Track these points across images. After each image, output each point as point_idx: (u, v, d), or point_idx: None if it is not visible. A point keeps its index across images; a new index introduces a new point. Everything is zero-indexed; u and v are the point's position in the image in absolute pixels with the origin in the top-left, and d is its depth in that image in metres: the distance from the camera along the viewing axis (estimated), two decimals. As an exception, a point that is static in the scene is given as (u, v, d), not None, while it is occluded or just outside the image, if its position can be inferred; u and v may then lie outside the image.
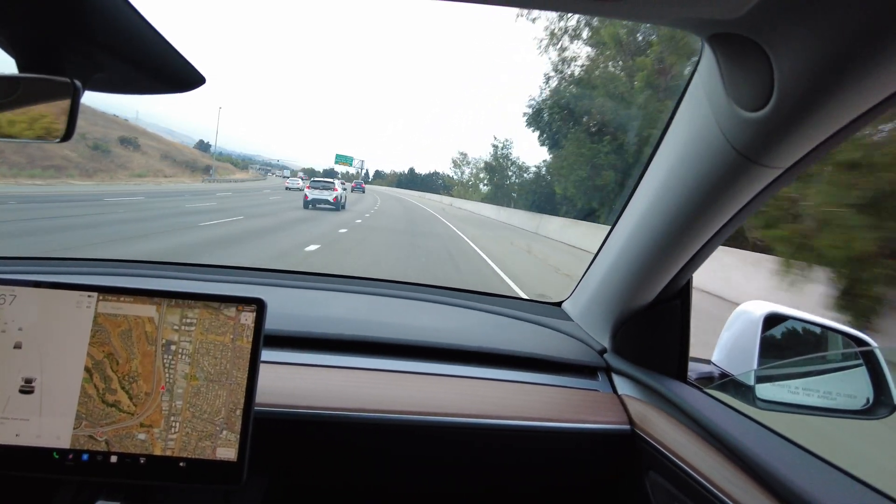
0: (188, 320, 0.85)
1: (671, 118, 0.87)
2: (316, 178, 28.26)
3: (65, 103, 0.62)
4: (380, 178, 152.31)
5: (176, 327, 0.85)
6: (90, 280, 1.06)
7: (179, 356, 0.84)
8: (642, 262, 1.01)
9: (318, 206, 22.81)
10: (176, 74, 0.68)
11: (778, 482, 0.72)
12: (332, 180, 26.24)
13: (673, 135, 0.87)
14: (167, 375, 0.84)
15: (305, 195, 23.48)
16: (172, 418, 0.83)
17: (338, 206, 23.62)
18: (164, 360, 0.84)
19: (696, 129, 0.78)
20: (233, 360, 0.85)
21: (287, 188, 45.62)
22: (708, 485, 0.80)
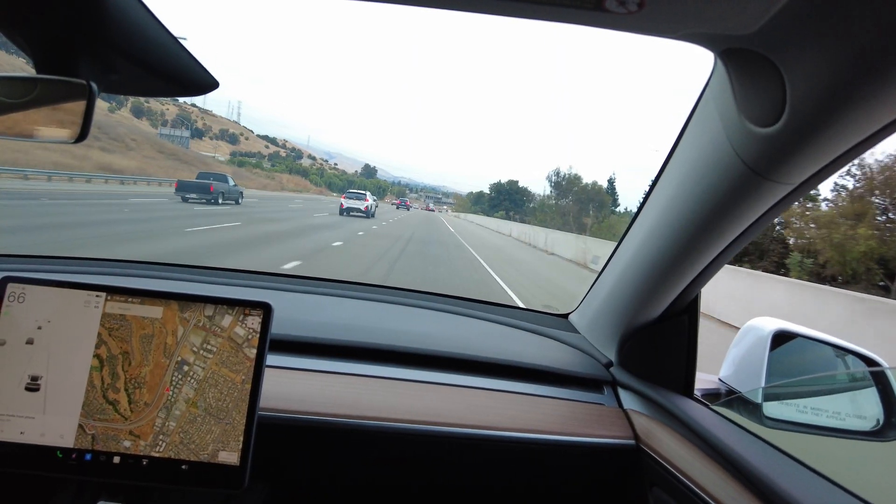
0: (209, 346, 0.85)
1: (682, 132, 0.86)
2: (350, 191, 35.78)
3: (81, 104, 0.63)
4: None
5: (195, 349, 0.85)
6: (98, 280, 1.07)
7: (188, 379, 0.84)
8: (650, 276, 1.00)
9: (351, 213, 28.83)
10: (190, 78, 0.69)
11: (784, 502, 0.71)
12: (363, 192, 33.59)
13: (683, 149, 0.86)
14: (171, 393, 0.84)
15: (341, 204, 29.82)
16: (161, 437, 0.82)
17: (368, 213, 29.80)
18: (174, 378, 0.84)
19: (706, 144, 0.77)
20: (237, 401, 0.84)
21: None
22: (712, 503, 0.79)
